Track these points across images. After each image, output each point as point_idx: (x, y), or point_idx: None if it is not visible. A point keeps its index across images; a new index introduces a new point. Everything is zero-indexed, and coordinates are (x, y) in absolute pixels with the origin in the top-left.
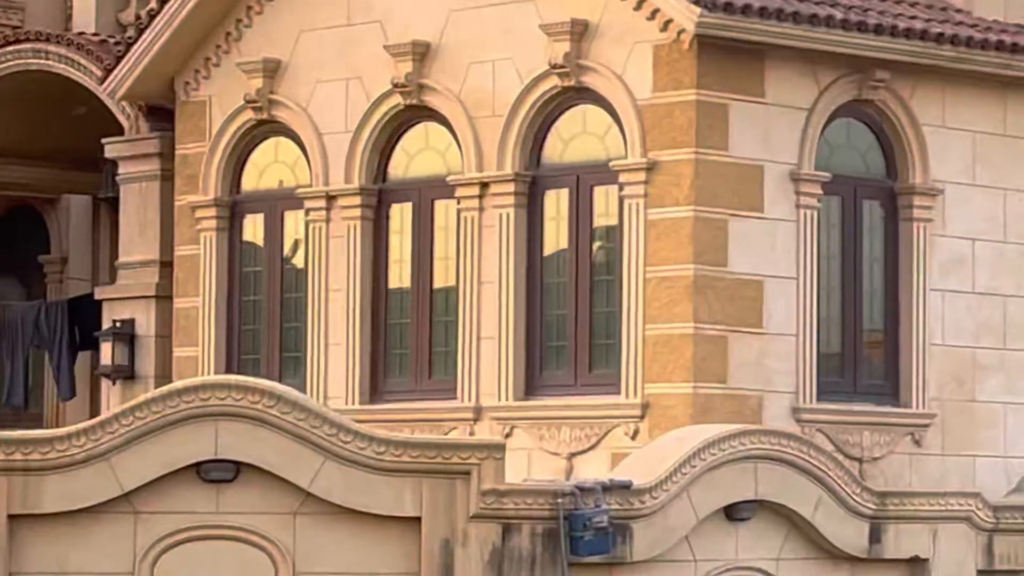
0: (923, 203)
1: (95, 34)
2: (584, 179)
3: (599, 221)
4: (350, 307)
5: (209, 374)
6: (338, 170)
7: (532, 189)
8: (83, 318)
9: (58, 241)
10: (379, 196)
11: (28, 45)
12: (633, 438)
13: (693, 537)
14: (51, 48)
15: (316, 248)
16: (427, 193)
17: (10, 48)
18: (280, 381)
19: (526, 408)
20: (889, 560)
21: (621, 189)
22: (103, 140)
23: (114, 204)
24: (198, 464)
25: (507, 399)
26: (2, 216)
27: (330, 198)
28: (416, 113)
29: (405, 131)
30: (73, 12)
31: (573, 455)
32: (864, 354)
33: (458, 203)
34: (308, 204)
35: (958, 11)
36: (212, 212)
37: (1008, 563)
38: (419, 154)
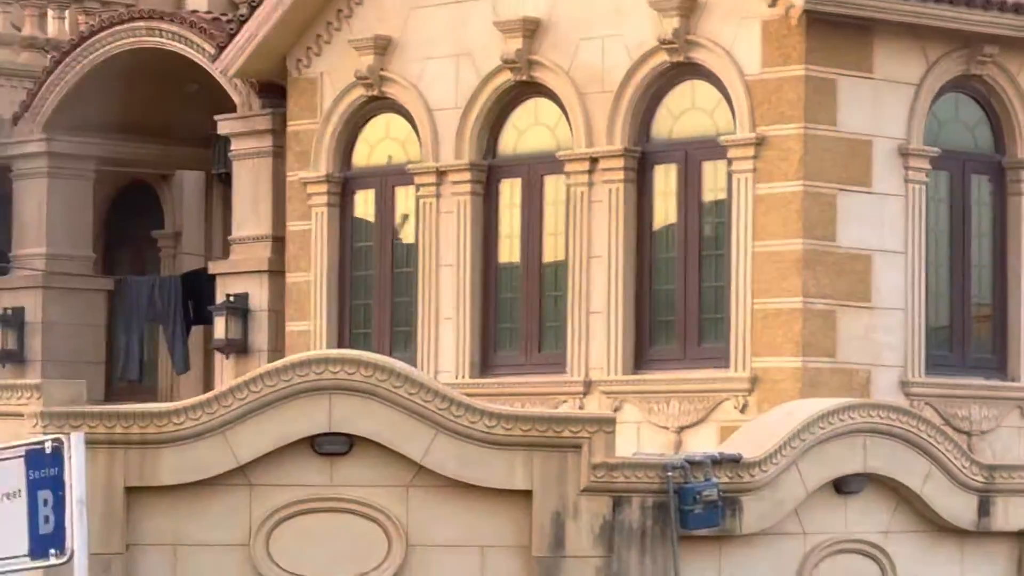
0: None
1: (208, 12)
2: (692, 154)
3: (707, 196)
4: (460, 282)
5: (321, 348)
6: (448, 146)
7: (641, 164)
8: (197, 293)
9: (172, 217)
10: (489, 172)
11: (142, 23)
12: (742, 411)
13: (802, 510)
14: (164, 26)
15: (426, 224)
16: (537, 169)
17: (124, 26)
18: (391, 355)
19: (635, 382)
20: (997, 533)
21: (730, 164)
22: (216, 117)
23: (227, 180)
24: (312, 437)
25: (616, 373)
26: (117, 192)
27: (440, 173)
28: (526, 89)
29: (515, 107)
30: None
31: (682, 428)
32: (972, 328)
33: (567, 178)
34: (418, 180)
35: None
36: (323, 188)
37: None
38: (529, 130)
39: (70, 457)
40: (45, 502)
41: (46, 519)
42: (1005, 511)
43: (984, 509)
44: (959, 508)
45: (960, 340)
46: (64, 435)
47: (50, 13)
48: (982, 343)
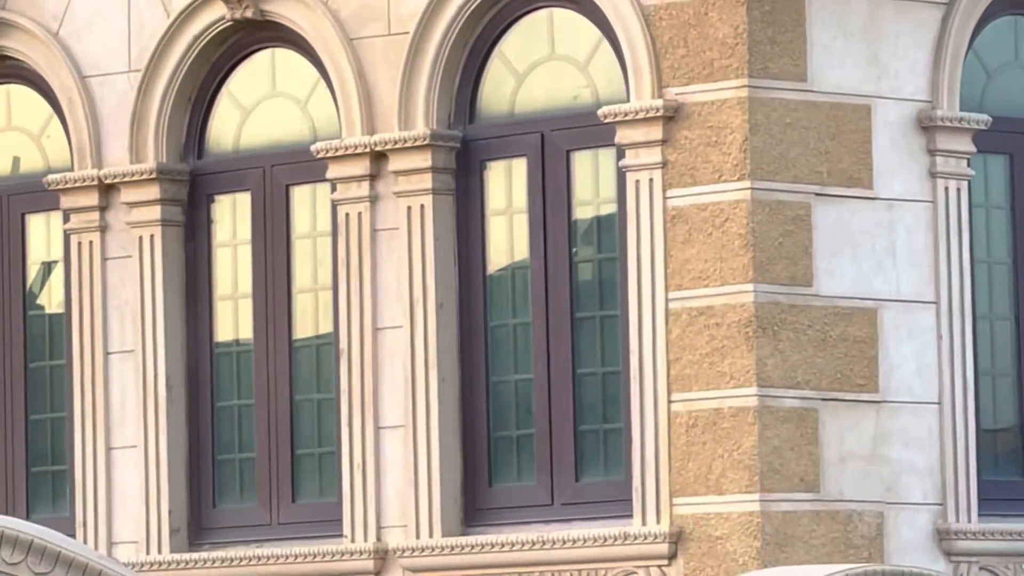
0: None
1: None
2: (553, 140)
3: (582, 212)
4: (148, 380)
5: None
6: (118, 142)
7: (463, 161)
8: None
9: None
10: (192, 183)
11: None
12: None
13: None
14: None
15: (85, 278)
16: (277, 175)
17: None
18: (28, 516)
19: (464, 549)
20: None
21: (620, 155)
22: None
23: None
24: None
25: (430, 535)
26: None
27: (105, 189)
28: (253, 34)
29: (235, 67)
30: None
31: None
32: None
33: (333, 189)
34: (67, 202)
35: None
36: None
37: None
38: (261, 106)
39: None
40: None
41: None
42: None
43: None
44: None
45: None
46: None
47: None
48: None
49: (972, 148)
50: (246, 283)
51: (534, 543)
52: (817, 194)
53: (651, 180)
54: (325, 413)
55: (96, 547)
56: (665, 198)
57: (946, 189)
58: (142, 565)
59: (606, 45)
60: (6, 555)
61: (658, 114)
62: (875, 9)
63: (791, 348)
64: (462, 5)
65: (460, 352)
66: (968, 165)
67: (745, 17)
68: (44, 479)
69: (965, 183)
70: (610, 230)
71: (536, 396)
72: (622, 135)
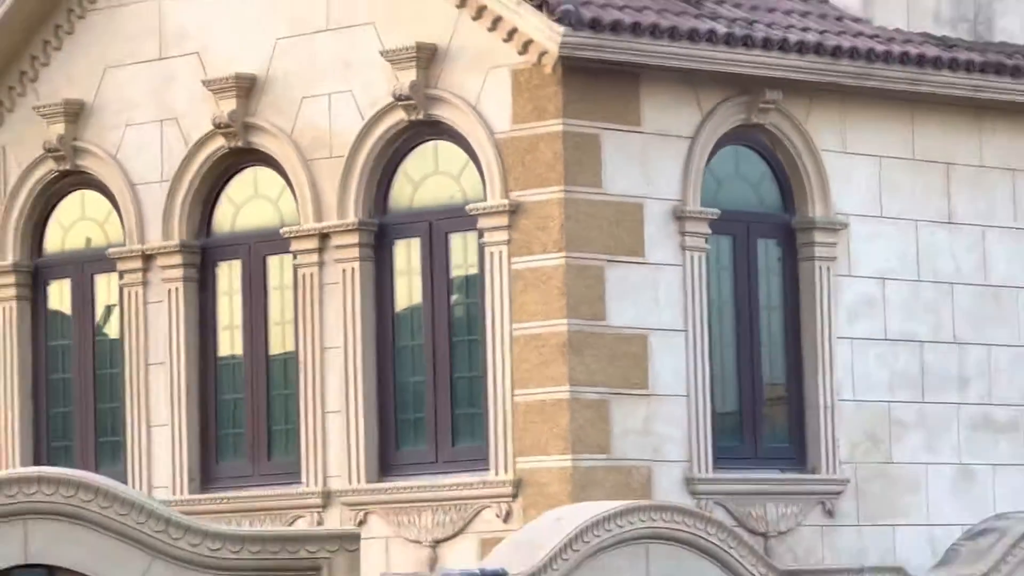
0: (825, 239)
1: None
2: (438, 226)
3: (457, 272)
4: (174, 382)
5: (14, 467)
6: (155, 226)
7: (379, 239)
8: None
9: None
10: (203, 253)
11: None
12: (505, 520)
13: None
14: None
15: (133, 316)
16: (259, 248)
17: None
18: (97, 470)
19: (381, 491)
20: None
21: (481, 236)
22: None
23: None
24: (5, 572)
25: (359, 482)
26: None
27: (146, 258)
28: (243, 157)
29: (231, 178)
30: None
31: (438, 542)
32: (764, 414)
33: (295, 258)
34: (121, 266)
35: (856, 20)
36: (11, 279)
37: None
38: (248, 204)
39: None
40: None
41: None
42: None
43: None
44: None
45: (751, 428)
46: None
47: None
48: (776, 431)
49: (708, 231)
50: (238, 318)
51: (425, 487)
52: (608, 260)
53: (501, 252)
54: (291, 403)
55: (141, 489)
56: (510, 264)
57: (692, 257)
58: (171, 502)
59: (472, 164)
60: (82, 496)
61: (505, 209)
62: (646, 141)
63: (592, 361)
64: (378, 138)
65: (377, 363)
66: (706, 242)
67: (562, 147)
68: (107, 446)
69: (704, 254)
70: (475, 285)
71: (427, 391)
72: (482, 223)
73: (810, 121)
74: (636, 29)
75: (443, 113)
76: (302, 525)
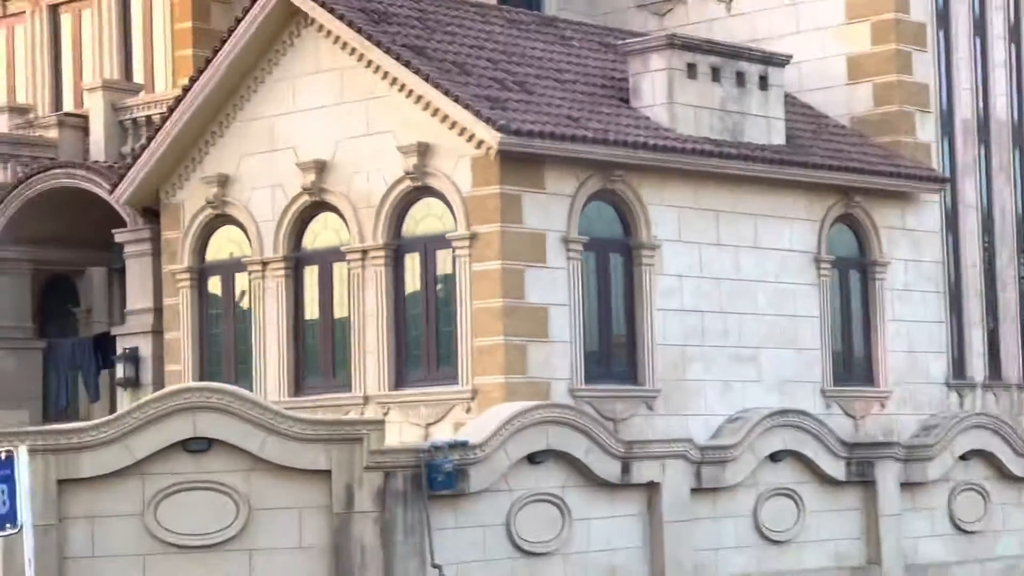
0: (648, 254)
1: (105, 161)
2: (429, 246)
3: (440, 272)
4: (280, 334)
5: (188, 382)
6: (268, 245)
7: (396, 254)
8: (104, 348)
9: (85, 298)
10: (296, 262)
11: (61, 170)
12: (467, 413)
13: (509, 475)
14: (77, 171)
15: (256, 297)
16: (328, 258)
17: (48, 172)
18: (235, 383)
19: (397, 396)
20: (635, 484)
21: (454, 252)
22: (113, 231)
23: (122, 272)
24: (184, 441)
25: (385, 390)
26: (47, 282)
27: (264, 264)
28: (318, 207)
29: (311, 218)
30: (90, 147)
31: (429, 425)
32: (614, 351)
33: (348, 264)
34: (250, 268)
35: (666, 129)
36: (186, 276)
37: (711, 483)
38: (322, 233)
39: (19, 461)
40: (2, 492)
41: (3, 503)
42: (639, 470)
43: (626, 469)
44: (609, 469)
45: (606, 360)
46: (14, 447)
47: None
48: (620, 361)
49: (582, 249)
50: (316, 298)
51: (422, 393)
52: (526, 265)
53: (466, 260)
54: (346, 346)
55: (260, 394)
56: (471, 267)
57: (573, 264)
58: (278, 401)
59: (448, 211)
60: (227, 398)
61: (468, 236)
62: (548, 198)
63: (516, 322)
64: (395, 196)
65: (395, 325)
66: (580, 255)
67: (499, 201)
68: (242, 370)
69: (580, 262)
70: (451, 279)
71: (424, 340)
72: (455, 244)
73: (642, 187)
74: (543, 135)
75: (432, 182)
76: (352, 415)
